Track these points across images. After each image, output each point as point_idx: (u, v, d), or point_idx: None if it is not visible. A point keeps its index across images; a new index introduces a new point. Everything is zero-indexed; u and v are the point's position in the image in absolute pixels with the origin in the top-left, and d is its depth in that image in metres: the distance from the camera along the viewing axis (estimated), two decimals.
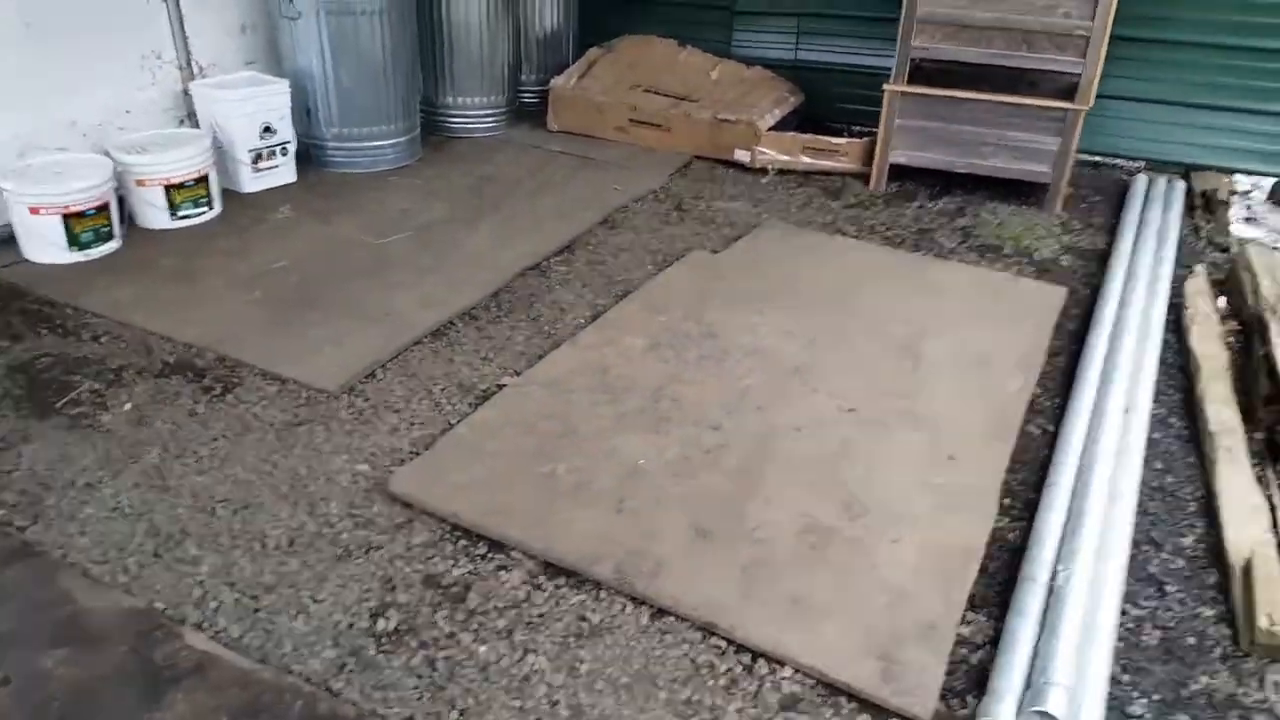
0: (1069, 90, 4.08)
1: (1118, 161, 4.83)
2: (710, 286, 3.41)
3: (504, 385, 2.77)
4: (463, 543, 2.19)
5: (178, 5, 3.91)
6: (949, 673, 1.86)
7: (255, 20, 4.26)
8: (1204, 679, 1.92)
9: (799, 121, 5.04)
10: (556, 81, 5.01)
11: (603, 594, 2.05)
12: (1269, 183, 4.79)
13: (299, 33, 4.04)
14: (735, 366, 2.89)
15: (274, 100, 3.97)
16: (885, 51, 4.64)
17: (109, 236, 3.46)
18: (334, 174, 4.31)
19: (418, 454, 2.48)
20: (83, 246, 3.39)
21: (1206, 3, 4.33)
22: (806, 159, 4.65)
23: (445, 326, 3.10)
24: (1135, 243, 3.78)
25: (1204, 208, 4.30)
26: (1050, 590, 2.00)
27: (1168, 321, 3.27)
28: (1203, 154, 4.58)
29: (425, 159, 4.57)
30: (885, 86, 4.32)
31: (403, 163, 4.45)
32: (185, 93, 4.02)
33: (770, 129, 4.64)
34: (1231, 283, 3.52)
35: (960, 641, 1.95)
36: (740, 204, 4.28)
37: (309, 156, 4.32)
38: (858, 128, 5.07)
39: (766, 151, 4.63)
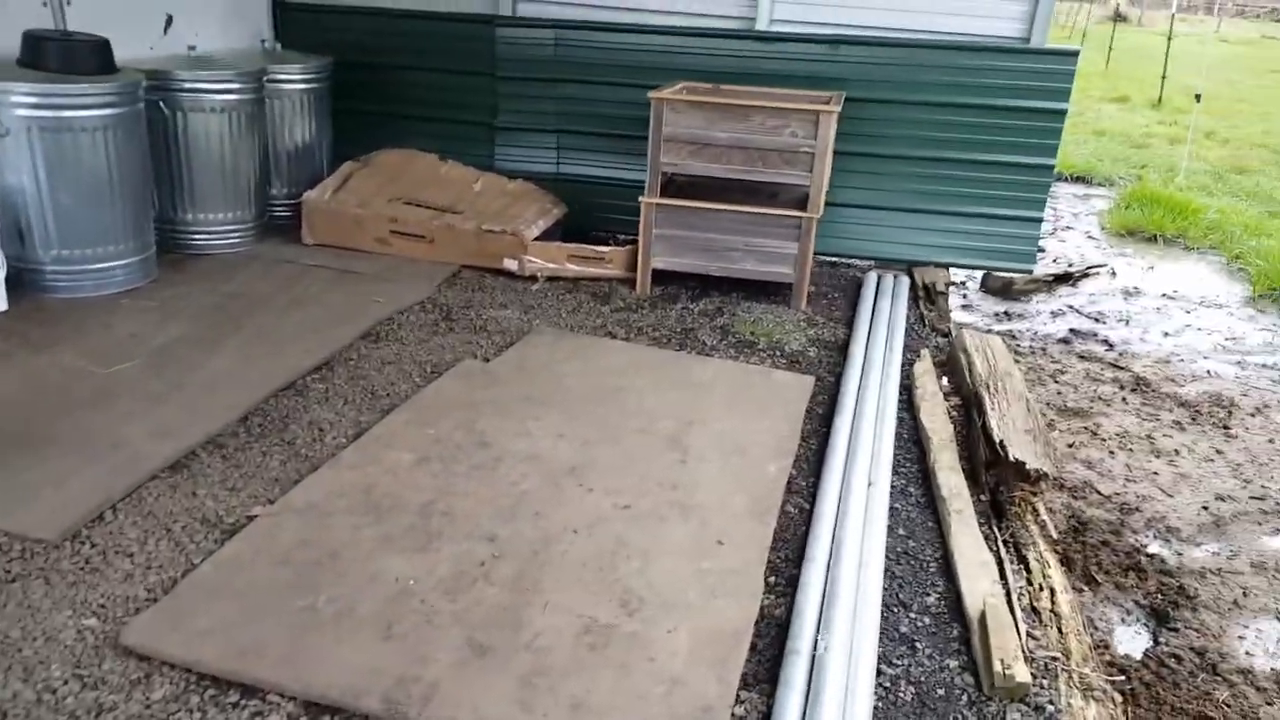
0: (802, 200, 4.50)
1: (852, 261, 5.34)
2: (482, 395, 3.36)
3: (255, 516, 2.55)
4: (211, 692, 1.95)
5: None
6: None
7: None
8: None
9: (563, 231, 5.19)
10: (310, 195, 4.88)
11: None
12: (980, 274, 5.49)
13: (7, 150, 3.66)
14: (509, 473, 2.84)
15: None
16: (641, 166, 4.95)
17: None
18: (54, 300, 3.89)
19: (156, 600, 2.21)
20: None
21: (913, 123, 4.96)
22: (574, 267, 4.78)
23: (186, 457, 2.83)
24: (869, 333, 4.15)
25: (926, 298, 4.83)
26: (813, 660, 2.07)
27: (901, 401, 3.58)
28: (923, 252, 5.16)
29: (162, 279, 4.24)
30: (641, 199, 4.57)
31: (135, 284, 4.10)
32: None
33: (536, 238, 4.74)
34: (951, 363, 3.95)
35: None
36: (511, 312, 4.30)
37: (23, 282, 3.89)
38: (622, 236, 5.31)
39: (535, 260, 4.71)
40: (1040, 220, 5.05)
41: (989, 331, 4.66)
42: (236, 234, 4.70)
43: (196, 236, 4.60)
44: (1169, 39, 14.30)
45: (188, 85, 4.34)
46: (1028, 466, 2.88)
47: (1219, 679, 2.44)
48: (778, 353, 4.06)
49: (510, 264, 4.73)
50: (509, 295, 4.51)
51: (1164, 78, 13.93)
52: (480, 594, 2.28)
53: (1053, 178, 5.02)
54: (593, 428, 3.17)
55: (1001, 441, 2.98)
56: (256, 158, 4.73)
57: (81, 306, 3.88)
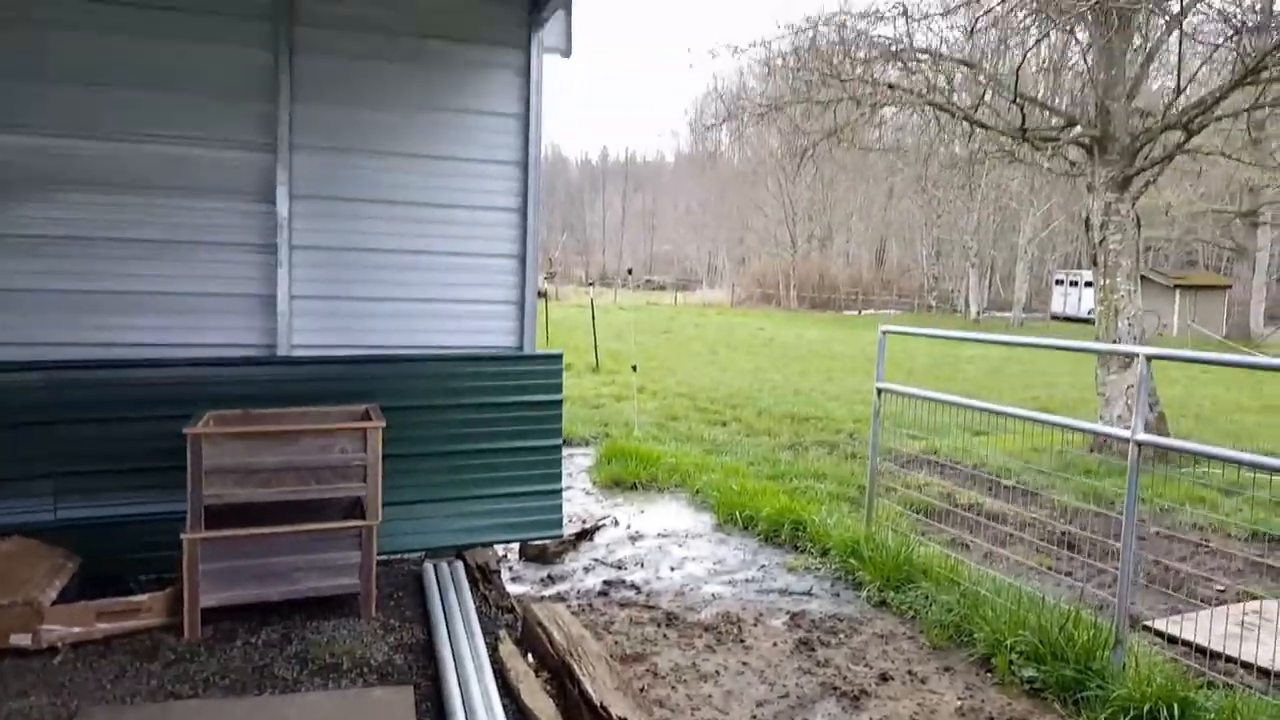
0: (353, 508, 4.69)
1: (405, 556, 5.55)
2: None
3: None
4: None
5: None
6: None
7: None
8: None
9: (80, 585, 4.58)
10: None
11: None
12: (516, 546, 6.09)
13: None
14: None
15: None
16: (165, 498, 4.73)
17: None
18: None
19: None
20: None
21: (439, 424, 5.51)
22: (104, 625, 4.25)
23: None
24: (448, 628, 4.38)
25: (484, 579, 5.24)
26: None
27: (499, 687, 3.85)
28: (468, 535, 5.59)
29: None
30: (184, 535, 4.33)
31: None
32: None
33: (55, 602, 4.14)
34: (529, 638, 4.36)
35: None
36: (37, 698, 3.67)
37: None
38: (144, 577, 4.84)
39: (55, 628, 4.10)
40: (559, 491, 5.88)
41: (542, 598, 5.21)
42: None
43: None
44: (593, 315, 17.63)
45: None
46: None
47: None
48: (365, 668, 4.07)
49: (20, 639, 4.05)
50: (27, 678, 3.85)
51: (596, 347, 17.01)
52: None
53: (561, 455, 5.93)
54: None
55: (602, 704, 3.42)
56: None
57: None
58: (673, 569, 6.03)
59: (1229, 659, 4.44)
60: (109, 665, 4.00)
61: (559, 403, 5.83)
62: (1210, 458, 4.35)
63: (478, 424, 5.63)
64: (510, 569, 5.91)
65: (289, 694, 3.81)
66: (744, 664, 4.54)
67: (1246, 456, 4.13)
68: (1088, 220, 10.41)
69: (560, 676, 3.92)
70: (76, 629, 4.17)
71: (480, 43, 5.67)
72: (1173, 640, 4.79)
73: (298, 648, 4.25)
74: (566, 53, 5.84)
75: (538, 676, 4.00)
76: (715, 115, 26.95)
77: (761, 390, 14.24)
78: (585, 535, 6.58)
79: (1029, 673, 4.38)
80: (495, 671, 3.99)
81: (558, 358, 5.92)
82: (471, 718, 3.49)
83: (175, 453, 4.44)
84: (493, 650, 4.22)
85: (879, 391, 6.15)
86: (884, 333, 6.23)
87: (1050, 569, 5.53)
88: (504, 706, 3.68)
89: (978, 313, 43.91)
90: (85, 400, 4.95)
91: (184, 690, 3.80)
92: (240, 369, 5.26)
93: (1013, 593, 4.98)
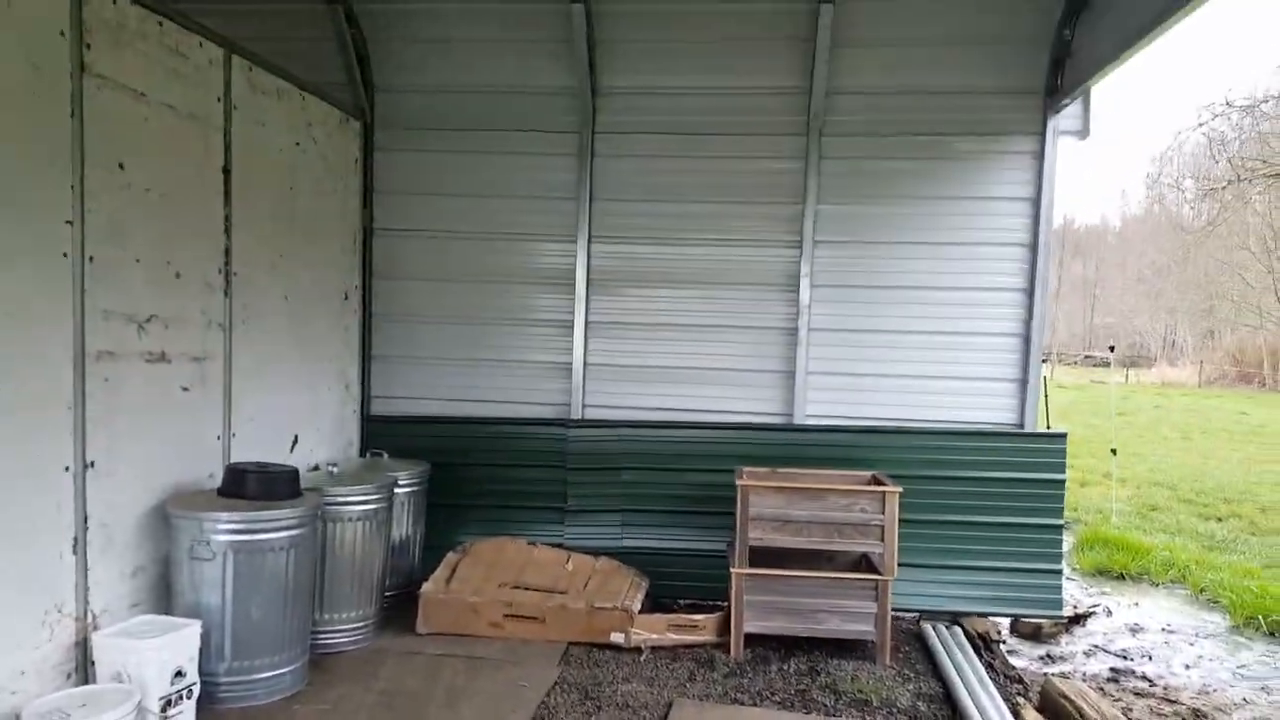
0: (867, 563, 5.16)
1: (900, 614, 5.90)
2: None
3: None
4: None
5: (85, 554, 3.76)
6: None
7: (146, 563, 4.13)
8: None
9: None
10: (427, 587, 5.23)
11: None
12: (1005, 621, 6.12)
13: (205, 571, 3.98)
14: None
15: (187, 643, 3.76)
16: (700, 537, 5.61)
17: None
18: (230, 709, 4.00)
19: None
20: None
21: (939, 494, 5.84)
22: (674, 636, 5.18)
23: None
24: (965, 685, 4.62)
25: (985, 647, 5.39)
26: None
27: None
28: (963, 602, 5.81)
29: (312, 681, 4.40)
30: (731, 570, 5.14)
31: (296, 688, 4.24)
32: (78, 644, 3.70)
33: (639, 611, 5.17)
34: (1052, 710, 4.41)
35: None
36: (636, 685, 4.60)
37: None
38: (683, 601, 5.78)
39: (640, 632, 5.10)
40: (1059, 571, 5.83)
41: (1046, 675, 5.19)
42: (361, 630, 4.94)
43: (326, 636, 4.80)
44: (1045, 392, 16.62)
45: (340, 499, 4.82)
46: None
47: None
48: (893, 709, 4.45)
49: (617, 637, 5.10)
50: (624, 669, 4.82)
51: (1049, 427, 16.02)
52: None
53: (1062, 535, 5.88)
54: None
55: None
56: (381, 558, 5.12)
57: (259, 715, 3.99)
58: (1187, 667, 5.63)
59: None
60: (679, 669, 4.86)
61: (1062, 482, 5.82)
62: None
63: (976, 496, 5.85)
64: (1004, 644, 5.96)
65: (831, 717, 4.32)
66: None
67: None
68: None
69: None
70: (654, 635, 5.15)
71: (993, 133, 5.98)
72: None
73: (825, 680, 4.77)
74: (1083, 135, 5.91)
75: None
76: (1209, 177, 23.71)
77: (1260, 483, 12.36)
78: (1077, 620, 6.38)
79: None
80: None
81: (1061, 437, 5.93)
82: None
83: (709, 499, 5.30)
84: (1014, 714, 4.36)
85: None
86: None
87: None
88: None
89: None
90: (645, 452, 6.14)
91: (743, 699, 4.50)
92: (763, 433, 6.11)
93: None
